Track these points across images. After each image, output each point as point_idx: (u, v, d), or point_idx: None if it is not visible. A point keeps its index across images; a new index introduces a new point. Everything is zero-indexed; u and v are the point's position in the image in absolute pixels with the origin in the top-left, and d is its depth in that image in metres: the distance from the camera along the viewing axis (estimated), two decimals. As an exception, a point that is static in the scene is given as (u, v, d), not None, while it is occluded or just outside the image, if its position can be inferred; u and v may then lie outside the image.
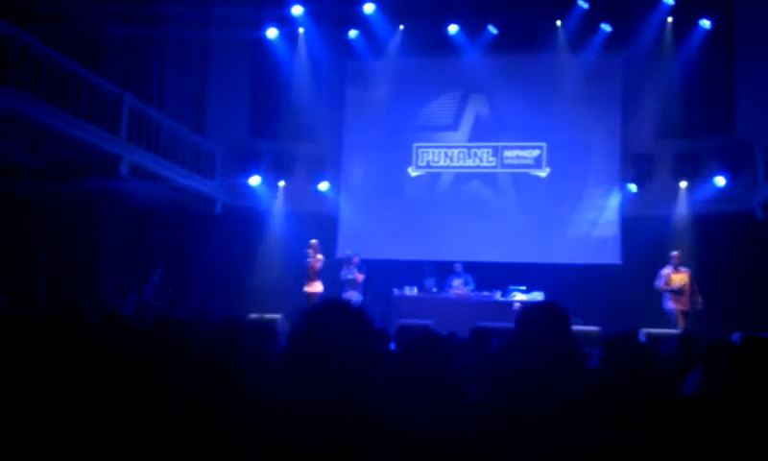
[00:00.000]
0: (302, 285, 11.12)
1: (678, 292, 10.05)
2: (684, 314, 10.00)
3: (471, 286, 11.73)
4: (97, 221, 11.19)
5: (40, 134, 8.77)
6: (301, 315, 1.80)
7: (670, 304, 10.06)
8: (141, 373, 2.22)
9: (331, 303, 1.84)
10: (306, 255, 11.13)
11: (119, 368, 1.92)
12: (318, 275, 11.14)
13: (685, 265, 10.65)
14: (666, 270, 10.27)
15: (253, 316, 9.17)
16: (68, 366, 1.77)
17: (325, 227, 13.39)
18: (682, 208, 12.32)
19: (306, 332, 1.75)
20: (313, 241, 11.26)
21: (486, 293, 11.52)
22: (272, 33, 13.37)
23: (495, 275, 11.86)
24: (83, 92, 9.42)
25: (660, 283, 10.19)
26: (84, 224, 10.91)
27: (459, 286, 11.71)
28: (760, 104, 12.12)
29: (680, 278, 10.15)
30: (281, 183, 13.52)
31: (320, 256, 11.19)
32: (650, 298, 11.35)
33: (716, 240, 11.89)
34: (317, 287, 11.05)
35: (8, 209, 9.66)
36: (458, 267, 11.95)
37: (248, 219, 13.34)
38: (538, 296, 11.09)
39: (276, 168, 13.42)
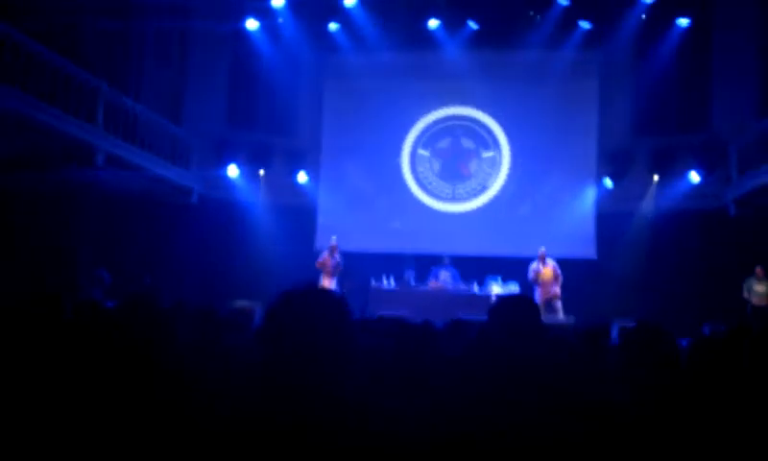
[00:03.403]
0: (282, 275, 11.11)
1: None
2: None
3: (454, 279, 11.82)
4: (73, 210, 11.09)
5: (16, 124, 8.65)
6: (277, 297, 1.80)
7: None
8: (119, 362, 2.23)
9: (304, 287, 1.85)
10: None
11: (97, 358, 1.90)
12: (330, 273, 11.17)
13: (662, 260, 10.90)
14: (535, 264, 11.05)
15: (237, 303, 9.15)
16: (46, 355, 1.76)
17: (304, 219, 13.42)
18: (657, 204, 12.47)
19: (279, 313, 1.77)
20: (332, 241, 11.37)
21: (463, 286, 11.60)
22: (251, 24, 13.28)
23: (474, 268, 11.94)
24: (59, 82, 9.31)
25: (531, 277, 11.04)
26: (61, 213, 10.80)
27: (446, 279, 11.78)
28: (735, 101, 12.31)
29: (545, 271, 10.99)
30: (261, 172, 13.48)
31: (326, 258, 11.24)
32: (624, 292, 11.53)
33: (690, 236, 12.07)
34: (325, 284, 11.05)
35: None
36: (446, 260, 12.03)
37: (225, 210, 13.29)
38: (514, 288, 11.21)
39: (254, 159, 13.37)
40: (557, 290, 10.89)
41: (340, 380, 1.74)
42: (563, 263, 11.10)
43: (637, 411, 2.15)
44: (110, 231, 11.92)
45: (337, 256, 11.29)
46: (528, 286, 10.84)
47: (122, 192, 11.82)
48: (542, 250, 11.06)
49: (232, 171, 13.24)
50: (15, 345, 1.74)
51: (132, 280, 11.09)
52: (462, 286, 11.60)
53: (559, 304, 10.82)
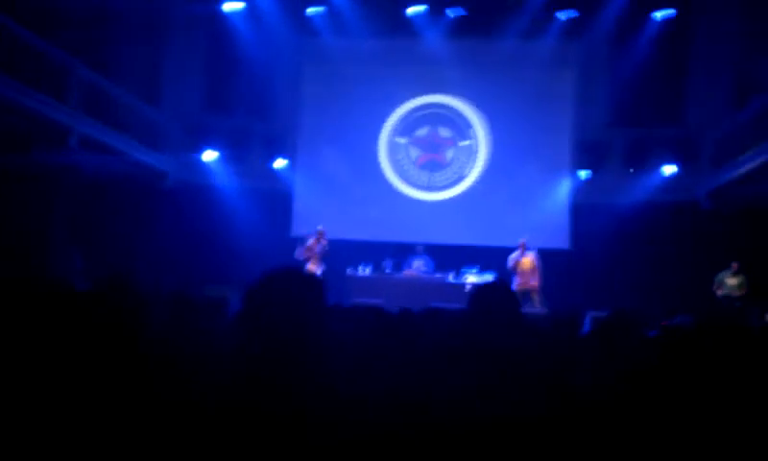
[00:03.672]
0: (257, 261, 11.07)
1: None
2: None
3: (429, 268, 11.87)
4: (47, 193, 10.92)
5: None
6: (257, 279, 1.81)
7: None
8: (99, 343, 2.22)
9: (282, 270, 1.85)
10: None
11: (67, 340, 1.88)
12: (317, 259, 11.17)
13: (634, 252, 11.04)
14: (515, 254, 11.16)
15: (211, 290, 9.10)
16: (15, 334, 1.73)
17: (280, 205, 13.37)
18: (631, 196, 12.61)
19: (259, 294, 1.77)
20: (319, 227, 11.38)
21: (439, 275, 11.65)
22: (229, 6, 13.13)
23: (450, 257, 12.00)
24: (29, 60, 9.08)
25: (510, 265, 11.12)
26: (34, 196, 10.64)
27: (420, 267, 11.83)
28: (710, 95, 12.47)
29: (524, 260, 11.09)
30: (237, 158, 13.38)
31: (313, 243, 11.26)
32: (597, 283, 11.67)
33: (663, 228, 12.24)
34: (311, 269, 11.05)
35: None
36: (419, 248, 12.08)
37: (201, 194, 13.19)
38: (489, 278, 11.28)
39: (231, 144, 13.25)
40: (535, 282, 10.94)
41: (316, 364, 1.75)
42: (537, 253, 11.18)
43: (605, 397, 2.18)
44: (85, 215, 11.77)
45: (324, 243, 11.28)
46: (507, 277, 10.91)
47: (97, 176, 11.67)
48: (523, 240, 11.10)
49: (209, 155, 13.13)
50: None
51: (106, 265, 10.97)
52: (437, 275, 11.65)
53: (536, 297, 10.88)
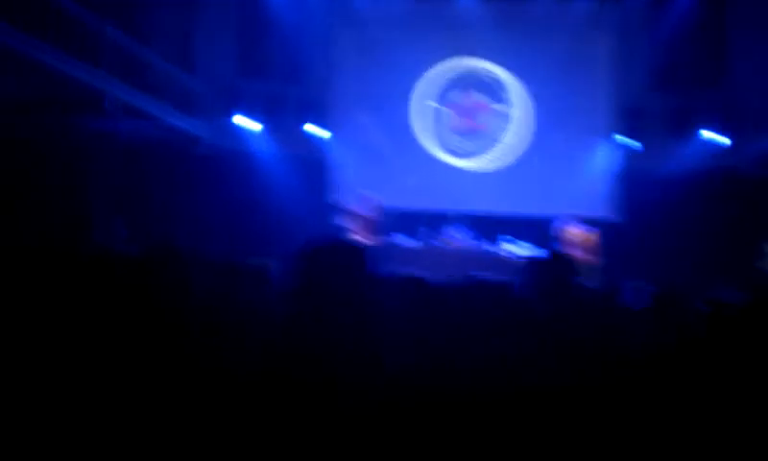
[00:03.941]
0: (293, 229, 11.11)
1: None
2: None
3: (467, 237, 11.76)
4: (85, 160, 11.02)
5: (22, 68, 8.54)
6: (302, 250, 1.79)
7: None
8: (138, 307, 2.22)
9: (328, 240, 1.84)
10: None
11: (116, 301, 1.89)
12: (366, 228, 11.08)
13: (676, 221, 10.76)
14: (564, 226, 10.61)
15: (247, 259, 9.14)
16: (65, 298, 1.74)
17: (315, 170, 13.34)
18: (672, 163, 12.33)
19: (305, 265, 1.75)
20: (366, 192, 11.18)
21: (475, 244, 11.56)
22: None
23: (489, 226, 11.87)
24: (63, 24, 9.04)
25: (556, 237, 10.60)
26: (73, 163, 10.75)
27: (454, 236, 11.73)
28: (755, 58, 12.07)
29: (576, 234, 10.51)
30: (272, 123, 13.35)
31: (361, 212, 11.08)
32: (639, 253, 11.48)
33: (706, 195, 11.99)
34: (360, 239, 10.99)
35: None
36: (455, 218, 11.95)
37: (235, 160, 13.19)
38: (527, 247, 11.17)
39: (265, 109, 13.19)
40: (589, 256, 10.45)
41: (362, 334, 1.74)
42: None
43: (652, 370, 2.15)
44: (122, 182, 11.88)
45: (376, 212, 11.16)
46: (549, 247, 10.67)
47: (132, 142, 11.76)
48: (579, 212, 10.81)
49: (242, 120, 13.12)
50: (30, 285, 1.72)
51: (147, 232, 11.08)
52: (474, 244, 11.56)
53: (589, 271, 10.25)
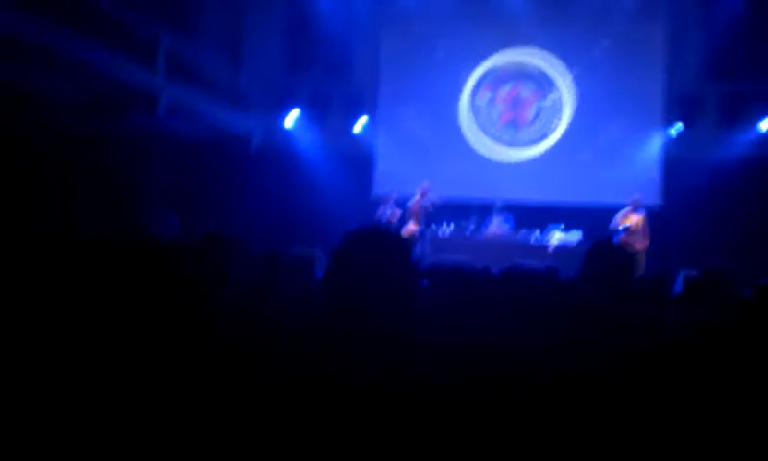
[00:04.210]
0: (339, 223, 11.19)
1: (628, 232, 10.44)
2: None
3: (509, 226, 11.69)
4: (140, 157, 11.33)
5: (84, 73, 8.84)
6: (343, 238, 1.82)
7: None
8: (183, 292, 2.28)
9: (368, 229, 1.86)
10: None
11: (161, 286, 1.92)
12: (418, 217, 11.17)
13: (728, 210, 10.45)
14: (624, 211, 10.66)
15: (293, 250, 9.27)
16: (106, 286, 1.77)
17: (361, 166, 13.42)
18: (725, 152, 12.01)
19: (346, 253, 1.78)
20: (424, 183, 11.28)
21: (522, 233, 11.47)
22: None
23: (532, 216, 11.78)
24: (121, 30, 9.43)
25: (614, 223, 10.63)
26: (128, 160, 11.06)
27: (497, 225, 11.66)
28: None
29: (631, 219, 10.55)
30: (320, 119, 13.47)
31: (416, 201, 11.20)
32: (690, 241, 11.23)
33: (759, 185, 11.65)
34: (411, 228, 11.11)
35: (55, 144, 9.83)
36: (498, 206, 11.90)
37: (283, 156, 13.38)
38: (575, 235, 11.06)
39: (312, 105, 13.33)
40: (642, 244, 10.40)
41: (403, 323, 1.75)
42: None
43: (692, 355, 2.12)
44: (175, 179, 12.17)
45: (427, 201, 11.22)
46: (592, 236, 10.54)
47: (185, 139, 12.03)
48: (636, 197, 10.69)
49: (292, 117, 13.28)
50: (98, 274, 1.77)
51: (198, 225, 11.33)
52: (520, 234, 11.48)
53: (642, 260, 10.23)
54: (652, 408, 1.76)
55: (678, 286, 5.19)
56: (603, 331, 2.14)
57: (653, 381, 1.84)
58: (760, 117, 11.77)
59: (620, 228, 10.56)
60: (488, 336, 2.19)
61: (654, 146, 12.59)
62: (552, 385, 1.78)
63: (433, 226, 11.63)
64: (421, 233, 11.10)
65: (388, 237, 1.90)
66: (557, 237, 11.00)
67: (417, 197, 11.28)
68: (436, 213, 11.57)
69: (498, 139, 13.35)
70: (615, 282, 2.38)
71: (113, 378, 1.58)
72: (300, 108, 13.25)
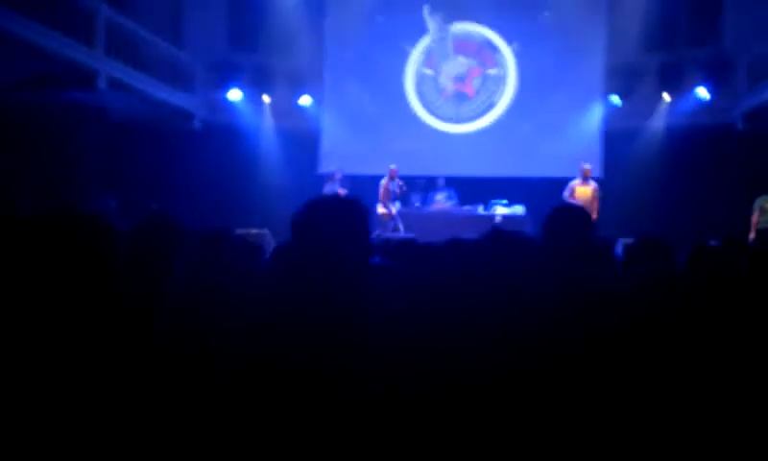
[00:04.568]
0: (286, 202, 11.10)
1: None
2: None
3: (454, 201, 11.80)
4: (76, 134, 11.01)
5: (20, 47, 8.56)
6: (302, 207, 1.79)
7: None
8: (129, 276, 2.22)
9: (330, 197, 1.84)
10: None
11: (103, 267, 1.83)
12: (390, 198, 11.12)
13: (668, 178, 10.74)
14: (574, 182, 10.70)
15: (240, 231, 9.16)
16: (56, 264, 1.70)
17: (308, 142, 13.31)
18: (664, 121, 12.32)
19: (304, 220, 1.75)
20: (392, 166, 11.20)
21: (468, 207, 11.58)
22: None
23: (477, 189, 11.90)
24: (58, 3, 9.12)
25: (565, 195, 10.65)
26: (64, 137, 10.74)
27: (441, 200, 11.77)
28: (746, 15, 11.98)
29: (583, 191, 10.58)
30: (265, 98, 13.27)
31: (386, 184, 11.13)
32: (629, 210, 11.52)
33: (698, 153, 11.99)
34: (380, 211, 11.07)
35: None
36: (440, 181, 11.98)
37: (228, 134, 13.17)
38: (519, 209, 11.20)
39: (257, 82, 13.13)
40: (594, 214, 10.37)
41: (363, 295, 1.72)
42: (568, 182, 10.98)
43: (639, 320, 2.15)
44: (114, 158, 11.86)
45: (397, 182, 11.16)
46: (535, 209, 10.68)
47: (125, 118, 11.73)
48: (587, 166, 10.75)
49: (235, 94, 13.05)
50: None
51: (139, 207, 11.07)
52: (466, 208, 11.59)
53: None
54: (621, 369, 1.79)
55: (618, 254, 5.34)
56: (563, 291, 2.15)
57: (617, 343, 1.85)
58: (697, 84, 12.04)
59: (571, 197, 10.60)
60: (440, 308, 2.17)
61: (595, 118, 12.82)
62: (522, 348, 1.76)
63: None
64: (392, 216, 11.09)
65: (345, 202, 1.87)
66: (501, 211, 11.14)
67: (385, 180, 11.24)
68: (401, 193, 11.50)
69: (443, 114, 13.41)
70: (578, 241, 2.39)
71: (46, 367, 1.51)
72: (245, 85, 13.02)
